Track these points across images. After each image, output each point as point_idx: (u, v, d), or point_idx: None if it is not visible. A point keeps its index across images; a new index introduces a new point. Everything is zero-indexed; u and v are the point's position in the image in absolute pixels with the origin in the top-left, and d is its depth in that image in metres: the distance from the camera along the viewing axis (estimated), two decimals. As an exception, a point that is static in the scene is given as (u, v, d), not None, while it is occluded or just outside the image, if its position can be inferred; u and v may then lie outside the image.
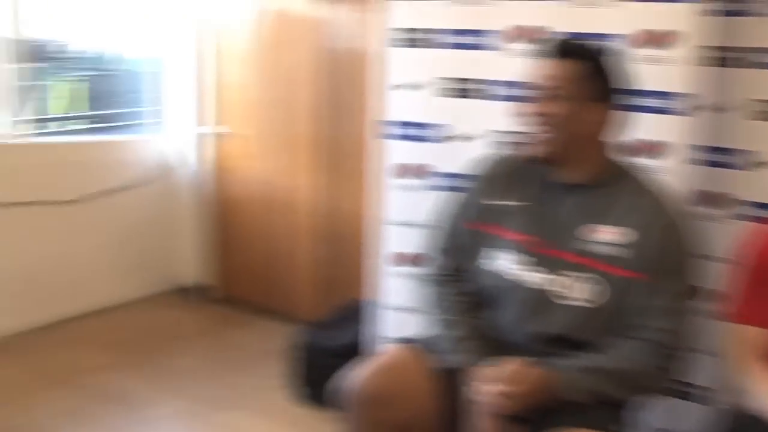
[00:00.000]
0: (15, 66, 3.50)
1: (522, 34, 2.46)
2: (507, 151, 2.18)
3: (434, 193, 2.53)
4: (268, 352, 3.60)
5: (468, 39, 2.55)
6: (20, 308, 3.65)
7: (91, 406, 2.97)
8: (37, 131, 4.08)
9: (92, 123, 4.58)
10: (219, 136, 4.17)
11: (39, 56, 3.92)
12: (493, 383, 1.63)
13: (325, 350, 3.04)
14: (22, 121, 3.68)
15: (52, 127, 4.54)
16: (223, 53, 4.09)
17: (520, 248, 1.81)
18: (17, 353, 3.41)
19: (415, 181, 2.70)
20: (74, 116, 4.60)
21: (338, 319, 3.32)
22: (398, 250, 2.75)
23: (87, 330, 3.80)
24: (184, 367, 3.39)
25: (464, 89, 2.58)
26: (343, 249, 3.78)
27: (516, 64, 2.24)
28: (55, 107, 4.44)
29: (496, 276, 1.84)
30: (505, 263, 1.83)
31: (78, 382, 3.17)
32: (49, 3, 3.68)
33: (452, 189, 2.35)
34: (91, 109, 4.76)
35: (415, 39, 2.62)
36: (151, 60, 4.55)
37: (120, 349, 3.57)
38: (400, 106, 2.69)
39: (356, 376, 1.80)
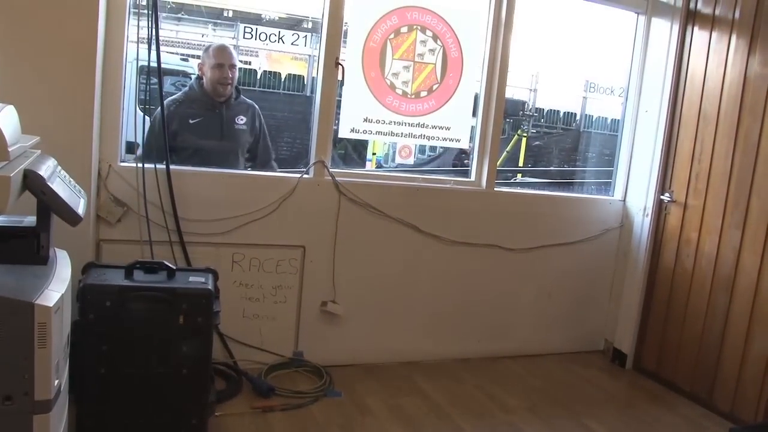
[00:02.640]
0: (498, 121, 3.87)
1: None
2: None
3: None
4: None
5: None
6: (458, 338, 3.98)
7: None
8: (505, 180, 4.44)
9: (547, 177, 4.81)
10: (668, 205, 3.97)
11: (508, 113, 4.29)
12: None
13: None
14: (497, 171, 4.01)
15: (516, 177, 4.91)
16: (687, 119, 3.90)
17: None
18: (445, 378, 3.69)
19: None
20: (533, 169, 4.91)
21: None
22: None
23: (508, 371, 3.93)
24: (594, 431, 3.26)
25: None
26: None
27: None
28: (520, 159, 4.81)
29: None
30: None
31: (491, 417, 3.30)
32: (517, 65, 4.00)
33: None
34: (546, 163, 5.02)
35: None
36: (607, 121, 4.60)
37: (535, 396, 3.60)
38: None
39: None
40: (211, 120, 3.53)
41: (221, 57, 3.45)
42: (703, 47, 3.84)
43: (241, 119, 3.60)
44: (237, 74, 3.55)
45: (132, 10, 3.04)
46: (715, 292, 3.68)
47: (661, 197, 4.03)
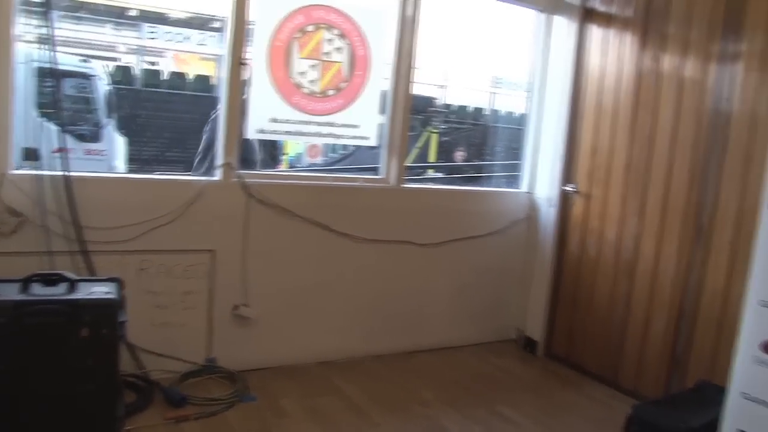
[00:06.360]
0: (405, 118, 3.91)
1: None
2: None
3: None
4: (596, 419, 3.41)
5: None
6: (373, 334, 4.00)
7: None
8: (415, 177, 4.49)
9: (459, 172, 4.90)
10: (572, 195, 4.12)
11: (417, 109, 4.35)
12: None
13: (663, 431, 2.74)
14: (406, 168, 4.04)
15: (427, 173, 4.97)
16: (588, 112, 4.06)
17: None
18: (361, 376, 3.71)
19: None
20: (443, 165, 4.98)
21: (681, 400, 2.99)
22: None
23: (424, 365, 3.99)
24: (508, 417, 3.35)
25: None
26: (697, 326, 3.40)
27: None
28: (430, 156, 4.88)
29: None
30: None
31: (408, 411, 3.34)
32: (424, 62, 4.06)
33: None
34: (454, 159, 5.11)
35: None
36: (513, 116, 4.73)
37: (450, 388, 3.68)
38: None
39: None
40: None
41: None
42: (601, 44, 4.00)
43: None
44: None
45: (20, 7, 2.90)
46: (618, 278, 3.85)
47: (565, 188, 4.18)
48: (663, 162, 3.60)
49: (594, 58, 4.04)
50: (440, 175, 5.24)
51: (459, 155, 5.21)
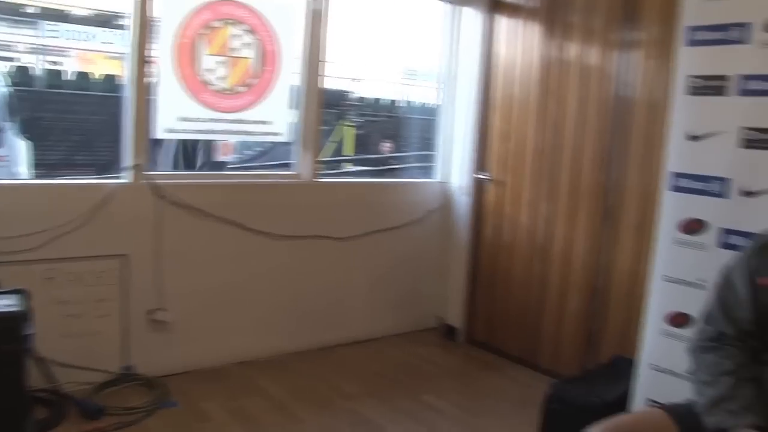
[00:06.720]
0: (316, 112, 3.90)
1: None
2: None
3: (719, 253, 2.38)
4: (518, 400, 3.49)
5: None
6: (294, 331, 3.97)
7: (342, 428, 3.11)
8: (330, 171, 4.48)
9: (371, 164, 4.92)
10: (487, 183, 4.20)
11: (330, 103, 4.34)
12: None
13: (579, 407, 2.83)
14: (319, 162, 4.02)
15: (341, 167, 4.96)
16: (498, 101, 4.14)
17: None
18: (283, 373, 3.68)
19: (700, 238, 2.52)
20: (358, 158, 4.99)
21: (597, 376, 3.10)
22: (672, 310, 2.62)
23: (346, 358, 3.99)
24: (433, 405, 3.40)
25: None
26: (609, 304, 3.55)
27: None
28: (345, 149, 4.88)
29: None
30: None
31: (332, 406, 3.34)
32: (336, 56, 4.06)
33: (739, 249, 2.14)
34: (370, 152, 5.13)
35: (712, 86, 2.45)
36: (426, 107, 4.79)
37: (373, 380, 3.70)
38: (689, 157, 2.53)
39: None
40: None
41: None
42: (508, 34, 4.08)
43: None
44: None
45: None
46: (533, 262, 3.96)
47: (479, 176, 4.25)
48: (571, 147, 3.72)
49: (503, 48, 4.12)
50: (362, 168, 5.25)
51: (385, 147, 5.23)
